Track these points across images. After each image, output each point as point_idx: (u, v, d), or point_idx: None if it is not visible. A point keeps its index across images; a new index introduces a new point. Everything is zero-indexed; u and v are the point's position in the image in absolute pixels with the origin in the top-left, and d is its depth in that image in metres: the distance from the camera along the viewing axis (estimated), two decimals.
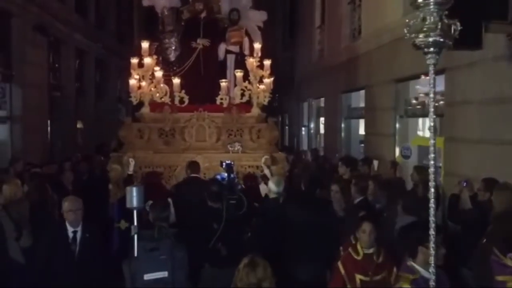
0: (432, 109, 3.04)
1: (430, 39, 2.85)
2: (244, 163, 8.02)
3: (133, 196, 4.52)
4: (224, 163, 6.18)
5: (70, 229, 5.28)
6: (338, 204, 6.21)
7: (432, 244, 3.03)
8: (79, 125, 17.45)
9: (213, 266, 5.39)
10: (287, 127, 22.23)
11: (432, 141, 3.09)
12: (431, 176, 3.05)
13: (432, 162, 3.10)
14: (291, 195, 7.01)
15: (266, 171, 7.64)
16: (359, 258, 4.52)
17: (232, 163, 6.23)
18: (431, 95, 3.03)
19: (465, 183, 6.31)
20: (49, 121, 14.04)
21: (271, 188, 6.12)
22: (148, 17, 9.99)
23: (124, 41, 20.66)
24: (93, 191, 8.10)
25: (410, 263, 3.94)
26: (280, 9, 22.23)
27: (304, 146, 18.00)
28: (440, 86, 8.30)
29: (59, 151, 14.40)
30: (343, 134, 13.62)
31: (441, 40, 2.82)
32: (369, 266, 4.48)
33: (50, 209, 7.43)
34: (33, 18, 12.42)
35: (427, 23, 2.90)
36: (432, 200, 3.05)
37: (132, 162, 7.31)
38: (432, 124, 3.09)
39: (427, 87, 9.65)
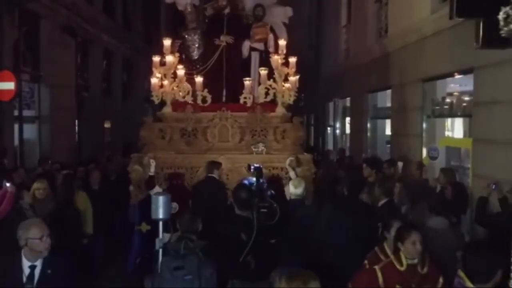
0: None
1: None
2: (268, 165, 7.72)
3: (159, 206, 4.17)
4: (252, 167, 5.83)
5: (26, 264, 4.00)
6: None
7: None
8: (107, 125, 17.66)
9: (243, 280, 4.98)
10: (312, 127, 22.08)
11: None
12: None
13: None
14: (331, 200, 6.73)
15: (291, 173, 7.33)
16: (402, 269, 4.15)
17: (261, 166, 5.90)
18: None
19: (494, 186, 6.14)
20: (77, 121, 14.25)
21: (290, 190, 5.88)
22: (175, 17, 9.82)
23: (151, 42, 20.81)
24: (119, 192, 8.14)
25: None
26: (306, 7, 22.08)
27: (330, 146, 17.86)
28: (469, 86, 8.13)
29: (87, 150, 14.59)
30: (369, 134, 13.43)
31: None
32: (413, 278, 4.13)
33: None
34: (61, 20, 12.60)
35: None
36: None
37: (153, 163, 7.11)
38: None
39: (456, 86, 9.39)
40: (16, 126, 10.88)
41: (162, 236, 4.21)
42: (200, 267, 4.15)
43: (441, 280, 4.17)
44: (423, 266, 4.16)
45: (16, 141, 10.90)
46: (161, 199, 4.19)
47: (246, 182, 6.04)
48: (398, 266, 4.15)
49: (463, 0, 5.55)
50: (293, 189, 5.81)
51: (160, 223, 4.19)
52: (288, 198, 6.62)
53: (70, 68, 13.59)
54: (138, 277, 5.82)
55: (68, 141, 13.34)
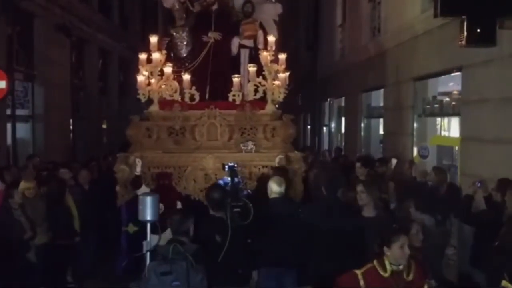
0: None
1: None
2: (257, 163, 7.57)
3: (147, 207, 3.95)
4: (226, 166, 5.70)
5: None
6: (368, 207, 5.45)
7: None
8: (103, 124, 17.65)
9: (219, 282, 4.78)
10: (309, 127, 22.13)
11: None
12: None
13: None
14: (311, 200, 6.69)
15: None
16: (386, 275, 3.91)
17: (236, 165, 5.78)
18: None
19: (479, 184, 6.17)
20: (71, 120, 14.25)
21: (273, 189, 5.71)
22: (172, 16, 9.64)
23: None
24: (110, 191, 8.09)
25: None
26: (303, 7, 22.14)
27: (325, 146, 17.90)
28: (458, 85, 8.16)
29: (82, 150, 14.59)
30: (362, 133, 13.46)
31: None
32: (397, 285, 3.91)
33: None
34: (56, 19, 12.60)
35: None
36: None
37: (139, 163, 6.98)
38: None
39: (448, 85, 9.40)
40: (9, 125, 10.86)
41: (150, 238, 3.98)
42: (189, 272, 3.95)
43: (426, 287, 4.04)
44: (409, 273, 3.95)
45: (9, 140, 10.89)
46: (148, 199, 3.96)
47: (221, 182, 5.97)
48: (381, 272, 3.92)
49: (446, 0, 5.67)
50: (277, 188, 5.68)
51: (148, 225, 3.96)
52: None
53: (65, 67, 13.57)
54: (125, 280, 5.80)
55: (62, 140, 13.31)
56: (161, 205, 6.43)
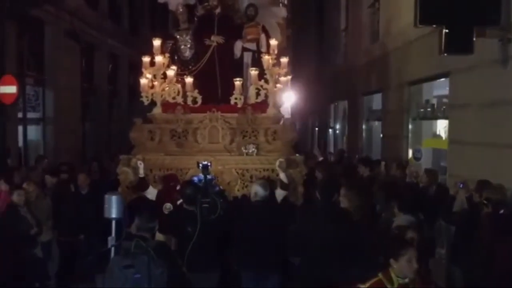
0: None
1: None
2: (259, 166, 7.59)
3: (112, 206, 4.14)
4: (200, 164, 5.95)
5: None
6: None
7: None
8: (113, 126, 17.99)
9: (188, 271, 5.04)
10: (317, 129, 22.38)
11: None
12: None
13: None
14: (306, 205, 6.82)
15: (281, 175, 6.96)
16: None
17: (209, 164, 6.00)
18: None
19: (461, 185, 6.43)
20: (81, 123, 14.64)
21: (257, 191, 5.99)
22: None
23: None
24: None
25: None
26: (313, 11, 22.40)
27: (331, 148, 18.16)
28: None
29: (92, 152, 14.95)
30: (364, 135, 13.71)
31: None
32: None
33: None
34: (65, 25, 13.00)
35: None
36: None
37: (141, 165, 6.95)
38: None
39: (442, 90, 9.64)
40: (21, 128, 11.25)
41: (115, 235, 4.15)
42: (150, 266, 4.13)
43: None
44: (415, 285, 3.87)
45: (21, 142, 11.29)
46: (114, 198, 4.15)
47: (195, 179, 6.48)
48: (388, 286, 3.80)
49: (425, 9, 5.96)
50: (263, 192, 5.96)
51: (113, 222, 4.13)
52: (279, 200, 6.63)
53: (75, 72, 13.94)
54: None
55: (72, 143, 13.69)
56: (170, 205, 6.74)
